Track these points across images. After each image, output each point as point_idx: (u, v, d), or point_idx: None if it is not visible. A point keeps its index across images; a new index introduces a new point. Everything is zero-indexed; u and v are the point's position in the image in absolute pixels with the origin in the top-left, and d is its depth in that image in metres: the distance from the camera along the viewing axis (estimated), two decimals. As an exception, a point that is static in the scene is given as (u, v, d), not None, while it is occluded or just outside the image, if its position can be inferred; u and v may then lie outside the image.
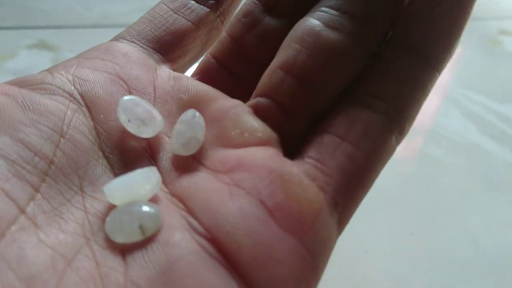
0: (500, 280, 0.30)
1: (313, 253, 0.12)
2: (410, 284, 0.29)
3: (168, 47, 0.16)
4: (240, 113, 0.14)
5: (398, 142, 0.14)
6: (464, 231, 0.33)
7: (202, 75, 0.16)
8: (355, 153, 0.13)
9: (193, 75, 0.17)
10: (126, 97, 0.13)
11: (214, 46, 0.17)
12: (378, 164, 0.13)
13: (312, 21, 0.14)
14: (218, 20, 0.17)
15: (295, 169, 0.12)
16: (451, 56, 0.14)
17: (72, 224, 0.11)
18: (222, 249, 0.11)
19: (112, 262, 0.11)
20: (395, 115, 0.13)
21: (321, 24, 0.14)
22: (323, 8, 0.14)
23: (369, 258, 0.31)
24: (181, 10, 0.16)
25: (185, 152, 0.13)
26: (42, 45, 0.50)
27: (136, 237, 0.11)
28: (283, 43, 0.15)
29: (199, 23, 0.16)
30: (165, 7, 0.16)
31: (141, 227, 0.11)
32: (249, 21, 0.16)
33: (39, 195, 0.11)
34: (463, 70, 0.51)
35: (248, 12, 0.16)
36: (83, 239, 0.11)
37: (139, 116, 0.13)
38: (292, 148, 0.14)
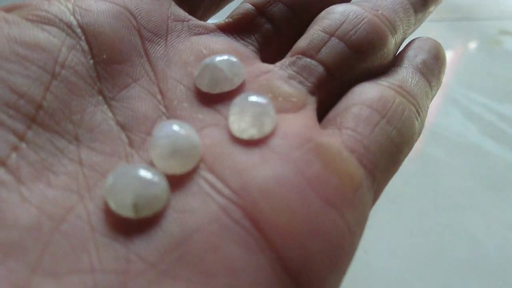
0: (500, 280, 0.30)
1: (351, 230, 0.10)
2: (410, 284, 0.29)
3: None
4: (271, 79, 0.13)
5: (419, 133, 0.13)
6: (464, 231, 0.33)
7: (238, 21, 0.14)
8: (391, 131, 0.12)
9: (226, 19, 0.15)
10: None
11: None
12: (407, 146, 0.13)
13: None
14: None
15: (333, 139, 0.11)
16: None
17: (63, 178, 0.10)
18: (252, 216, 0.09)
19: (111, 227, 0.09)
20: (418, 108, 0.13)
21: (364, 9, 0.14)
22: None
23: (369, 258, 0.31)
24: None
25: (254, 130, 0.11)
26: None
27: (128, 213, 0.09)
28: (321, 12, 0.14)
29: None
30: None
31: (135, 206, 0.09)
32: None
33: (23, 144, 0.10)
34: (463, 70, 0.51)
35: None
36: (76, 196, 0.10)
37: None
38: (324, 112, 0.13)
